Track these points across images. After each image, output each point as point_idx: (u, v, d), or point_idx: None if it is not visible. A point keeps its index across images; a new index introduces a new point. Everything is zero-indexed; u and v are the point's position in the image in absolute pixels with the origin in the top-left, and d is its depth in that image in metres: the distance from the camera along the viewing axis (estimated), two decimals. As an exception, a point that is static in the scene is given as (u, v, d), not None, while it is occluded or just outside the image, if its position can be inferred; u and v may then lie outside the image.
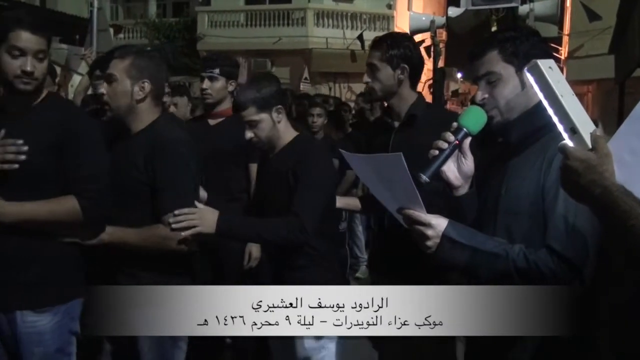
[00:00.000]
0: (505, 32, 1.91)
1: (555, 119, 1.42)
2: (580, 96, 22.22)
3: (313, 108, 6.00)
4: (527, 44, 1.84)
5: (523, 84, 1.83)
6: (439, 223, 1.75)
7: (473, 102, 1.94)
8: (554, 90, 1.42)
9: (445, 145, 1.80)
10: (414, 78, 2.81)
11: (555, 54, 20.97)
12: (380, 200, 1.89)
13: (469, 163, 1.88)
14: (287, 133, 2.75)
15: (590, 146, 1.36)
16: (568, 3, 19.86)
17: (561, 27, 20.09)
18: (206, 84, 3.73)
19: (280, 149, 2.73)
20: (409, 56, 2.76)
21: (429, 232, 1.74)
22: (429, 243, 1.75)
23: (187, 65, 19.97)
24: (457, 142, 1.81)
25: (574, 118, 1.39)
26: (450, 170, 1.88)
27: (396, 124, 2.83)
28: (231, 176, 3.70)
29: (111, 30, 11.48)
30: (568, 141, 1.39)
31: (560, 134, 1.43)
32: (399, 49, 2.75)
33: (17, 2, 20.16)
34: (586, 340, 1.76)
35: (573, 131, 1.38)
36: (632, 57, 8.05)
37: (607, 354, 1.77)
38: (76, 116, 2.52)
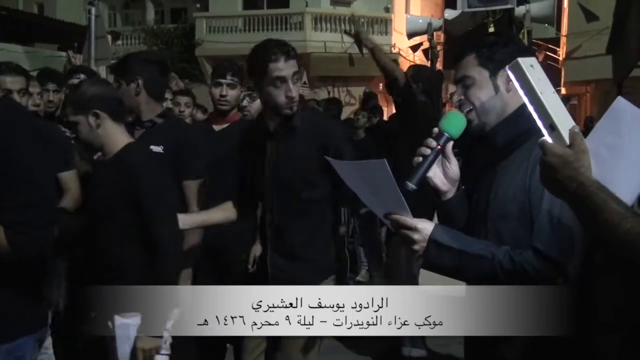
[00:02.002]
0: (486, 38, 1.97)
1: (535, 115, 1.44)
2: (579, 97, 22.28)
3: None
4: (503, 50, 1.87)
5: (497, 88, 1.86)
6: (426, 227, 1.77)
7: None
8: (534, 87, 1.44)
9: (428, 151, 1.82)
10: None
11: (553, 54, 21.05)
12: (368, 206, 1.90)
13: (453, 167, 1.90)
14: (114, 140, 2.64)
15: (567, 143, 1.38)
16: (565, 4, 19.90)
17: (559, 28, 20.12)
18: (226, 90, 3.70)
19: (112, 157, 2.66)
20: None
21: (416, 236, 1.76)
22: (415, 247, 1.77)
23: (186, 70, 19.98)
24: (439, 147, 1.83)
25: (553, 115, 1.41)
26: (436, 175, 1.90)
27: (272, 128, 2.82)
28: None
29: (109, 37, 11.50)
30: (547, 137, 1.41)
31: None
32: None
33: (15, 10, 20.21)
34: (586, 341, 1.76)
35: (552, 128, 1.41)
36: (630, 57, 8.07)
37: (613, 357, 1.78)
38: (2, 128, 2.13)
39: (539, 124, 1.43)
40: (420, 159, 1.81)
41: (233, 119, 3.75)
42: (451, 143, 1.86)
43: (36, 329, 2.29)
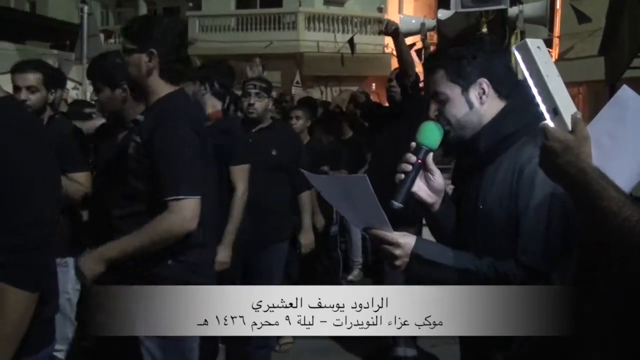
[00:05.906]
0: (454, 50, 1.87)
1: (538, 99, 1.42)
2: (571, 98, 22.35)
3: (293, 110, 5.74)
4: (473, 63, 1.82)
5: (471, 104, 1.82)
6: (407, 242, 1.74)
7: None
8: (539, 69, 1.42)
9: (409, 167, 1.79)
10: None
11: (545, 56, 21.08)
12: (347, 218, 1.88)
13: (437, 178, 1.87)
14: None
15: (570, 128, 1.37)
16: (558, 5, 19.97)
17: (551, 29, 20.19)
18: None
19: None
20: None
21: (397, 251, 1.74)
22: (397, 262, 1.75)
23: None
24: (419, 161, 1.80)
25: (557, 99, 1.39)
26: (421, 189, 1.87)
27: None
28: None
29: (102, 35, 11.47)
30: (549, 122, 1.40)
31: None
32: None
33: (7, 8, 20.10)
34: (575, 340, 1.77)
35: (555, 112, 1.39)
36: (622, 58, 8.11)
37: (596, 355, 1.78)
38: None
39: (542, 107, 1.41)
40: (402, 176, 1.78)
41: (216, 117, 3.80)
42: (431, 154, 1.83)
43: (36, 350, 1.94)
